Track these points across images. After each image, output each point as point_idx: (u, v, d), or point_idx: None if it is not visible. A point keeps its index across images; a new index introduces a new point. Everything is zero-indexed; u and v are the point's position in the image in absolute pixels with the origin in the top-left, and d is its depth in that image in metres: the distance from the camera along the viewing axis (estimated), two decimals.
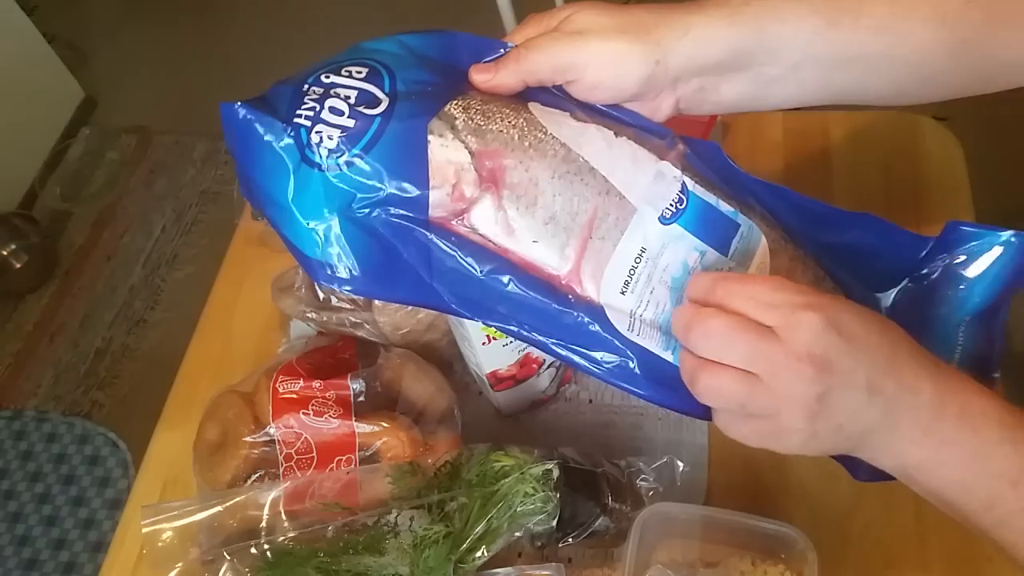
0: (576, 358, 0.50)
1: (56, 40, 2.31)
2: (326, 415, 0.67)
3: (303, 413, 0.66)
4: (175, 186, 2.21)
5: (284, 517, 0.65)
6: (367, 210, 0.48)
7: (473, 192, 0.48)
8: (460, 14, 2.15)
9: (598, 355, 0.50)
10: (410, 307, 0.72)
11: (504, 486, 0.61)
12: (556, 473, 0.62)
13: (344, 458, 0.66)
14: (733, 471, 0.69)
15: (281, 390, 0.67)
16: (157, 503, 0.68)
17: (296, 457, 0.67)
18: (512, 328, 0.49)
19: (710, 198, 0.52)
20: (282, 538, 0.63)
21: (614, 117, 0.53)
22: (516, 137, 0.49)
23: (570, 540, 0.64)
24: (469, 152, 0.48)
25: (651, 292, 0.50)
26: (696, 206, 0.51)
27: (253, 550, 0.63)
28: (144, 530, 0.65)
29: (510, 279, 0.49)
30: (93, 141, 2.32)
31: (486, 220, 0.49)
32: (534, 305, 0.49)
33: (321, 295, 0.75)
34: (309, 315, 0.75)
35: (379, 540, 0.61)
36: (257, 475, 0.68)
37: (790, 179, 0.85)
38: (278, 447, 0.67)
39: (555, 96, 0.53)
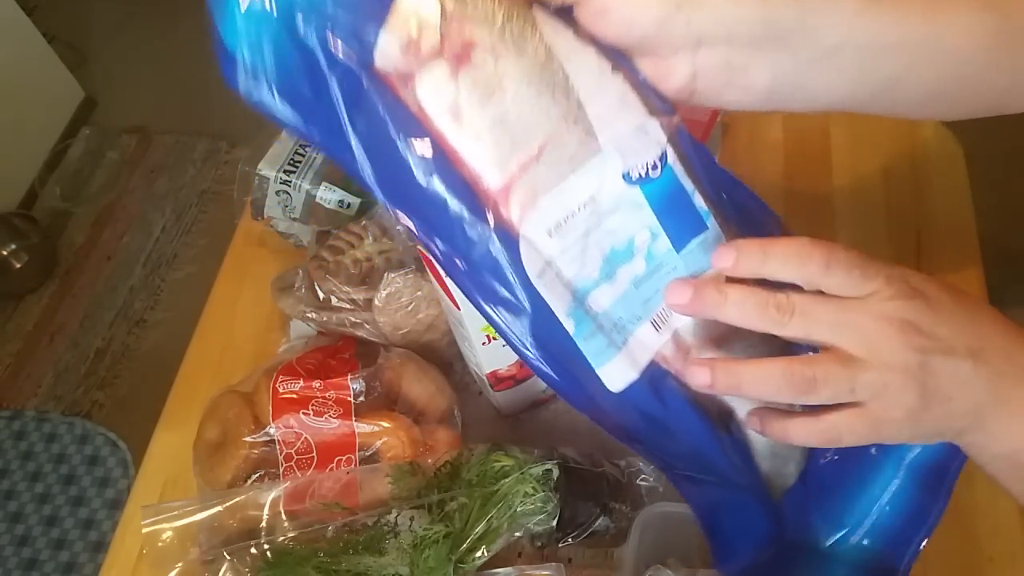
0: (464, 278, 0.43)
1: (56, 40, 2.31)
2: (326, 415, 0.67)
3: (303, 413, 0.66)
4: (175, 186, 2.21)
5: (284, 517, 0.65)
6: (310, 25, 0.41)
7: (429, 56, 0.42)
8: None
9: (490, 283, 0.43)
10: (410, 307, 0.72)
11: (504, 486, 0.61)
12: (556, 473, 0.62)
13: (344, 458, 0.66)
14: None
15: (281, 390, 0.67)
16: (157, 503, 0.68)
17: (296, 457, 0.67)
18: (413, 220, 0.43)
19: (687, 184, 0.47)
20: (282, 538, 0.63)
21: (620, 59, 0.46)
22: (499, 19, 0.43)
23: (570, 540, 0.64)
24: (442, 10, 0.42)
25: (582, 250, 0.44)
26: (669, 182, 0.46)
27: (253, 550, 0.63)
28: (144, 530, 0.65)
29: (433, 166, 0.42)
30: (93, 141, 2.32)
31: (433, 92, 0.42)
32: (444, 203, 0.43)
33: (321, 295, 0.75)
34: (309, 315, 0.75)
35: (379, 540, 0.61)
36: (257, 475, 0.68)
37: (790, 179, 0.85)
38: (278, 447, 0.67)
39: (566, 14, 0.46)
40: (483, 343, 0.65)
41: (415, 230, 0.44)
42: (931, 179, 0.83)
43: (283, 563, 0.62)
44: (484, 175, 0.43)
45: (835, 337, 0.40)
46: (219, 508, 0.65)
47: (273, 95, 0.42)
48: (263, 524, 0.65)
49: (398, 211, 0.43)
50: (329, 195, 0.81)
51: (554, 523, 0.62)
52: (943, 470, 0.52)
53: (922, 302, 0.39)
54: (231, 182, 0.84)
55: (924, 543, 0.52)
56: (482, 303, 0.44)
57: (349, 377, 0.68)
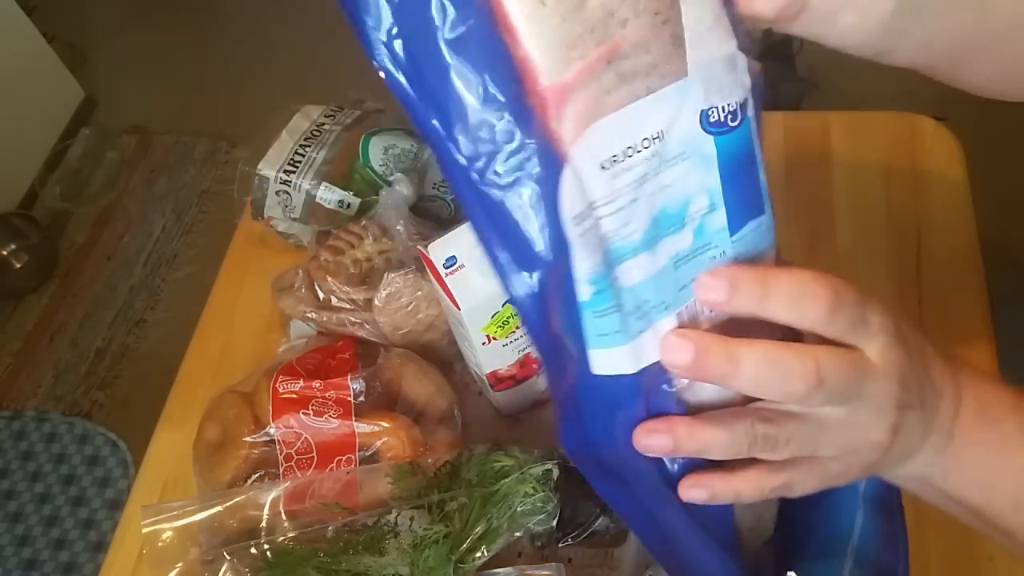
0: (472, 198, 0.33)
1: (56, 40, 2.31)
2: (326, 415, 0.67)
3: (303, 413, 0.66)
4: (175, 186, 2.21)
5: (284, 517, 0.65)
6: None
7: None
8: None
9: (509, 214, 0.33)
10: (410, 307, 0.72)
11: (504, 486, 0.61)
12: (556, 473, 0.62)
13: (344, 458, 0.66)
14: None
15: (281, 390, 0.67)
16: (157, 503, 0.68)
17: (296, 457, 0.67)
18: (411, 93, 0.32)
19: (758, 151, 0.37)
20: (282, 538, 0.63)
21: None
22: None
23: (570, 540, 0.64)
24: None
25: (631, 201, 0.34)
26: (744, 141, 0.36)
27: (253, 550, 0.63)
28: (144, 530, 0.65)
29: (472, 27, 0.31)
30: (93, 141, 2.32)
31: None
32: (475, 87, 0.32)
33: (321, 295, 0.75)
34: (309, 315, 0.75)
35: (379, 540, 0.61)
36: (257, 475, 0.68)
37: (790, 179, 0.85)
38: (278, 447, 0.67)
39: None
40: (483, 343, 0.65)
41: (418, 121, 0.33)
42: (931, 179, 0.83)
43: (283, 563, 0.62)
44: (540, 62, 0.31)
45: (846, 414, 0.37)
46: (219, 508, 0.65)
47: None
48: (263, 524, 0.65)
49: (406, 88, 0.32)
50: (329, 195, 0.81)
51: (554, 523, 0.62)
52: (890, 496, 0.51)
53: (902, 346, 0.37)
54: (231, 182, 0.84)
55: (907, 567, 0.52)
56: (488, 236, 0.34)
57: (349, 377, 0.68)
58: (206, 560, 0.64)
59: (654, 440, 0.37)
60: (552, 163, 0.32)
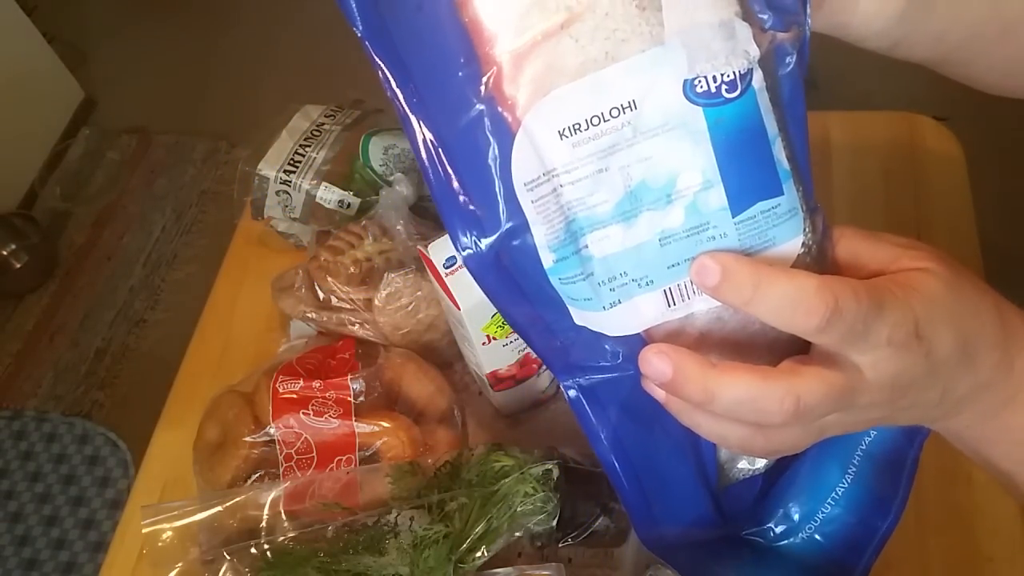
0: (425, 151, 0.34)
1: (56, 40, 2.31)
2: (326, 415, 0.67)
3: (303, 413, 0.66)
4: (175, 186, 2.21)
5: (284, 517, 0.65)
6: None
7: None
8: None
9: (462, 174, 0.34)
10: (410, 307, 0.72)
11: (504, 486, 0.61)
12: (556, 473, 0.62)
13: (344, 458, 0.66)
14: None
15: (281, 390, 0.67)
16: (157, 503, 0.68)
17: (296, 457, 0.67)
18: (384, 69, 0.34)
19: (770, 126, 0.34)
20: (282, 538, 0.63)
21: None
22: None
23: (570, 540, 0.64)
24: None
25: (598, 171, 0.33)
26: (746, 114, 0.33)
27: (253, 550, 0.63)
28: (144, 530, 0.65)
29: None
30: (93, 141, 2.32)
31: None
32: (431, 45, 0.33)
33: (321, 295, 0.75)
34: (309, 315, 0.75)
35: (379, 540, 0.61)
36: (257, 475, 0.68)
37: None
38: (278, 447, 0.67)
39: None
40: (483, 343, 0.65)
41: (384, 72, 0.34)
42: (931, 179, 0.83)
43: (283, 563, 0.62)
44: (492, 29, 0.32)
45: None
46: (219, 508, 0.65)
47: None
48: (263, 524, 0.65)
49: (370, 46, 0.34)
50: (329, 195, 0.81)
51: (554, 523, 0.62)
52: (901, 458, 0.49)
53: (920, 355, 0.35)
54: (231, 182, 0.84)
55: (885, 541, 0.49)
56: (442, 198, 0.35)
57: (349, 377, 0.68)
58: (206, 560, 0.64)
59: (652, 381, 0.36)
60: (505, 129, 0.33)
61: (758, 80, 0.33)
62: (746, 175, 0.34)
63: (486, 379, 0.69)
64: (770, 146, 0.34)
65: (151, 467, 0.80)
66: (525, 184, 0.34)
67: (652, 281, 0.35)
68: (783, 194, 0.34)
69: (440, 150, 0.34)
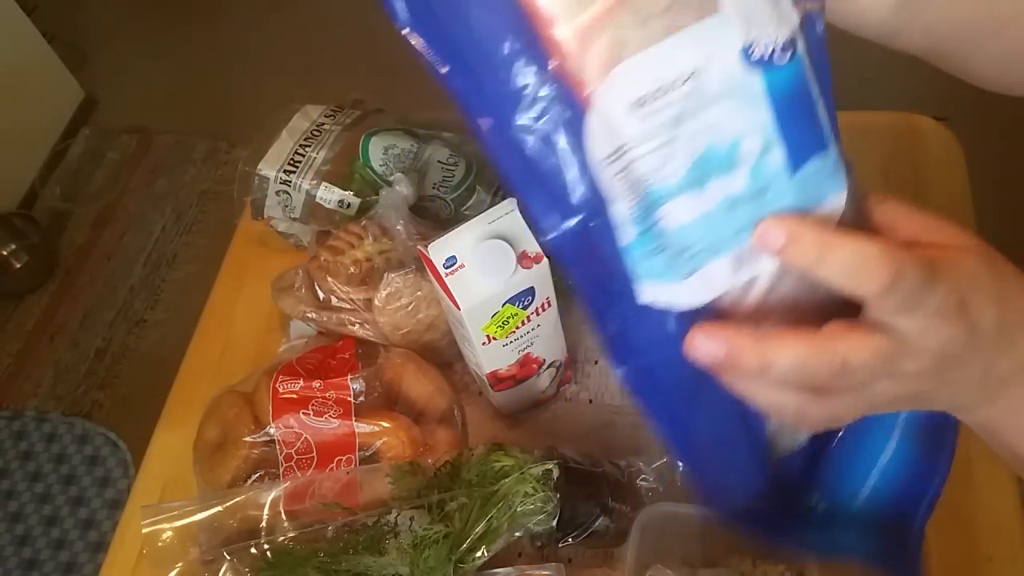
0: (495, 141, 0.35)
1: (56, 40, 2.31)
2: (326, 415, 0.67)
3: (303, 413, 0.66)
4: (175, 186, 2.21)
5: (284, 517, 0.65)
6: None
7: None
8: None
9: (537, 162, 0.34)
10: (410, 307, 0.72)
11: (504, 486, 0.61)
12: (556, 473, 0.62)
13: (344, 458, 0.66)
14: None
15: (281, 390, 0.67)
16: (157, 503, 0.68)
17: (296, 457, 0.67)
18: (435, 47, 0.34)
19: (813, 89, 0.36)
20: (282, 538, 0.63)
21: None
22: None
23: (570, 540, 0.64)
24: None
25: (668, 141, 0.34)
26: (796, 77, 0.35)
27: (253, 550, 0.63)
28: (144, 530, 0.65)
29: None
30: (93, 141, 2.32)
31: None
32: (491, 37, 0.33)
33: (321, 295, 0.75)
34: (309, 315, 0.75)
35: (379, 540, 0.61)
36: (257, 475, 0.68)
37: None
38: (278, 447, 0.67)
39: None
40: (483, 343, 0.65)
41: (441, 65, 0.34)
42: (931, 179, 0.83)
43: (283, 563, 0.62)
44: (554, 9, 0.32)
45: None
46: (219, 508, 0.65)
47: None
48: (263, 524, 0.65)
49: (429, 43, 0.34)
50: (329, 195, 0.81)
51: (554, 523, 0.62)
52: (941, 427, 0.50)
53: (964, 328, 0.36)
54: (231, 182, 0.84)
55: (934, 502, 0.52)
56: (520, 186, 0.35)
57: (349, 377, 0.68)
58: (206, 560, 0.64)
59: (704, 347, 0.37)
60: (576, 107, 0.33)
61: (801, 45, 0.35)
62: (800, 133, 0.35)
63: (486, 379, 0.69)
64: (815, 105, 0.36)
65: (151, 467, 0.80)
66: (601, 161, 0.34)
67: (721, 248, 0.36)
68: (828, 148, 0.37)
69: (510, 137, 0.34)
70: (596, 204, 0.35)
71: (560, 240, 0.36)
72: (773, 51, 0.34)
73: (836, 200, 0.37)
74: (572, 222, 0.35)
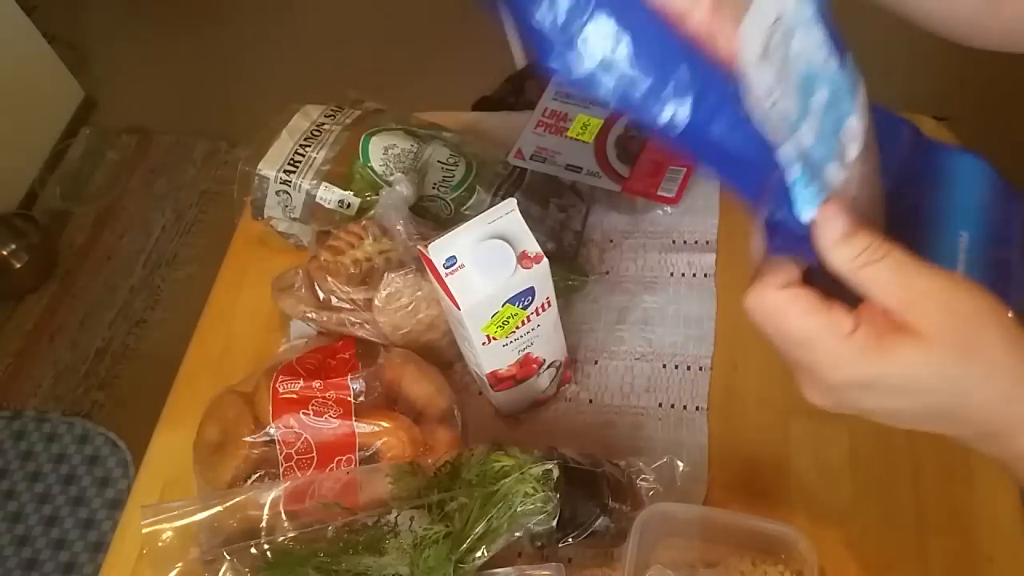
0: (689, 141, 0.40)
1: (56, 40, 2.31)
2: (326, 415, 0.67)
3: (303, 413, 0.66)
4: (175, 186, 2.21)
5: (284, 517, 0.65)
6: None
7: None
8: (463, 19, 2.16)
9: (731, 133, 0.40)
10: (410, 307, 0.72)
11: (504, 486, 0.61)
12: (556, 473, 0.62)
13: (344, 458, 0.67)
14: (733, 471, 0.69)
15: (281, 390, 0.67)
16: (157, 503, 0.68)
17: (296, 457, 0.67)
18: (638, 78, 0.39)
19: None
20: (282, 538, 0.63)
21: None
22: None
23: (570, 540, 0.64)
24: None
25: (785, 77, 0.41)
26: (822, 2, 0.42)
27: (253, 550, 0.63)
28: (144, 530, 0.65)
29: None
30: (93, 141, 2.32)
31: None
32: (674, 53, 0.39)
33: (321, 295, 0.75)
34: (309, 315, 0.75)
35: (379, 540, 0.61)
36: (257, 475, 0.68)
37: None
38: (278, 447, 0.67)
39: None
40: (483, 343, 0.65)
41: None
42: None
43: (283, 563, 0.62)
44: (679, 4, 0.38)
45: None
46: (219, 508, 0.65)
47: None
48: (263, 524, 0.65)
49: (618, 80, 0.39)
50: (329, 195, 0.81)
51: (554, 523, 0.62)
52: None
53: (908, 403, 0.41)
54: (231, 182, 0.84)
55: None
56: (726, 173, 0.42)
57: (349, 377, 0.68)
58: (206, 560, 0.64)
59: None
60: (731, 80, 0.39)
61: None
62: (834, 38, 0.42)
63: (486, 379, 0.69)
64: (828, 15, 0.42)
65: (151, 467, 0.80)
66: (763, 113, 0.39)
67: (832, 153, 0.42)
68: (847, 51, 0.43)
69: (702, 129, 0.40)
70: (769, 157, 0.40)
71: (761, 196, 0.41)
72: None
73: (852, 126, 0.43)
74: (770, 181, 0.40)
